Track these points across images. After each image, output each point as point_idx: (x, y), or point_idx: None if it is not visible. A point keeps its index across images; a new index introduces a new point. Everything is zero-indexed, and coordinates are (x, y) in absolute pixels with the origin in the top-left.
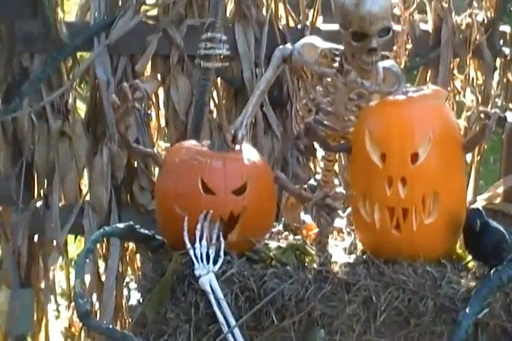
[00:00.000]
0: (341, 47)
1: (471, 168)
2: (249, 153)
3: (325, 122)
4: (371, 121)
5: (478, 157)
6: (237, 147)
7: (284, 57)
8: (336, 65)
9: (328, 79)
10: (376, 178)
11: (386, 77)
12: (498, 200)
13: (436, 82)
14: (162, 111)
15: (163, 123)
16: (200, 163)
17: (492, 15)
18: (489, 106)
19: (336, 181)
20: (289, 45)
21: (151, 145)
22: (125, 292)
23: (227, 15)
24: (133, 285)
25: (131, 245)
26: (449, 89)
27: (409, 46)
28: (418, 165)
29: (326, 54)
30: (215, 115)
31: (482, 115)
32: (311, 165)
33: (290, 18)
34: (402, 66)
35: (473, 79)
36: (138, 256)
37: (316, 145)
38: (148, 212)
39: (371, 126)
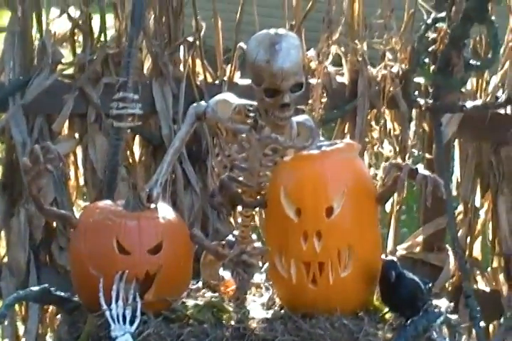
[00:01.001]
0: (255, 103)
1: (391, 217)
2: (165, 212)
3: (239, 178)
4: (285, 177)
5: (398, 206)
6: (153, 206)
7: (198, 114)
8: (250, 120)
9: (243, 135)
10: (292, 233)
11: (300, 132)
12: (417, 249)
13: (353, 133)
14: (81, 170)
15: (81, 182)
16: (115, 223)
17: (406, 66)
18: (406, 156)
19: (254, 236)
20: (203, 102)
21: (69, 205)
22: None
23: (145, 72)
24: None
25: (51, 307)
26: (366, 140)
27: (324, 100)
28: (333, 218)
29: (239, 110)
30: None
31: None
32: (232, 220)
33: (208, 74)
34: (319, 119)
35: (390, 130)
36: (59, 317)
37: None
38: (68, 272)
39: (286, 181)
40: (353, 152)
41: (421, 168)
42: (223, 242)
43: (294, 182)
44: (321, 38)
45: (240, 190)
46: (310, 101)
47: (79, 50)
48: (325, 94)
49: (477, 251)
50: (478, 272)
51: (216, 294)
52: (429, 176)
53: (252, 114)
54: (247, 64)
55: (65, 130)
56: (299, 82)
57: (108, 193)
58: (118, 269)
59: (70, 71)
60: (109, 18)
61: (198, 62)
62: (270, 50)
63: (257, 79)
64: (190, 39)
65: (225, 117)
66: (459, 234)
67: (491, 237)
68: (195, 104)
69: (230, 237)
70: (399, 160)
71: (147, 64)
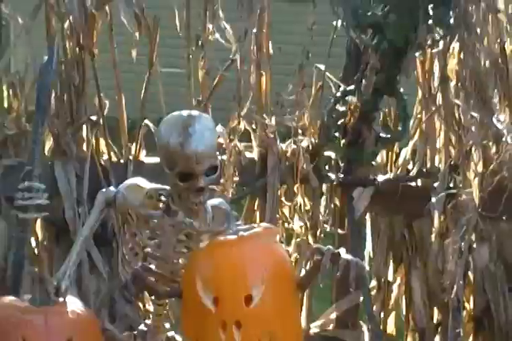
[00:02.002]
0: (167, 187)
1: (303, 294)
2: (74, 305)
3: (153, 268)
4: (202, 264)
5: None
6: (61, 299)
7: (107, 200)
8: (163, 205)
9: (155, 221)
10: (209, 323)
11: (215, 216)
12: (331, 327)
13: (264, 210)
14: None
15: None
16: (21, 320)
17: (316, 141)
18: (318, 232)
19: (167, 325)
20: (112, 188)
21: None
22: None
23: (46, 152)
24: None
25: None
26: (277, 216)
27: (236, 178)
28: (252, 307)
29: (151, 195)
30: None
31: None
32: (140, 304)
33: (112, 153)
34: (230, 197)
35: (300, 205)
36: None
37: None
38: None
39: (202, 268)
40: (271, 236)
41: (343, 252)
42: (135, 332)
43: (210, 270)
44: (231, 115)
45: (153, 279)
46: (222, 181)
47: None
48: (237, 173)
49: (391, 327)
50: None
51: None
52: (352, 261)
53: (164, 199)
54: (159, 147)
55: None
56: (214, 164)
57: (13, 288)
58: None
59: None
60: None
61: (101, 141)
62: (183, 132)
63: (170, 163)
64: (94, 118)
65: (136, 203)
66: (373, 309)
67: (404, 312)
68: (104, 190)
69: (142, 327)
70: (310, 238)
71: (49, 143)
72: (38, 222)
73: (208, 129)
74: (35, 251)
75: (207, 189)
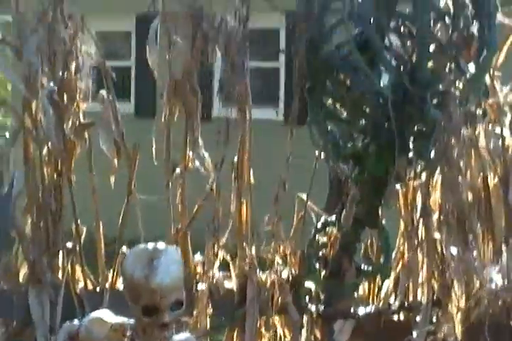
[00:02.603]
0: (132, 320)
1: None
2: None
3: None
4: None
5: None
6: None
7: (70, 334)
8: (127, 340)
9: None
10: None
11: None
12: None
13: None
14: None
15: None
16: None
17: (296, 271)
18: None
19: None
20: (76, 321)
21: None
22: None
23: (20, 279)
24: None
25: None
26: None
27: (210, 310)
28: None
29: (116, 329)
30: None
31: None
32: None
33: (88, 281)
34: (207, 328)
35: (280, 336)
36: None
37: None
38: None
39: None
40: None
41: None
42: None
43: None
44: (207, 245)
45: None
46: (195, 313)
47: None
48: (210, 304)
49: None
50: None
51: None
52: None
53: (129, 333)
54: (123, 279)
55: None
56: (180, 299)
57: None
58: None
59: None
60: None
61: (77, 268)
62: (148, 265)
63: (134, 296)
64: (70, 245)
65: (100, 337)
66: None
67: None
68: (67, 324)
69: None
70: None
71: (23, 270)
72: None
73: (174, 262)
74: None
75: (172, 324)
